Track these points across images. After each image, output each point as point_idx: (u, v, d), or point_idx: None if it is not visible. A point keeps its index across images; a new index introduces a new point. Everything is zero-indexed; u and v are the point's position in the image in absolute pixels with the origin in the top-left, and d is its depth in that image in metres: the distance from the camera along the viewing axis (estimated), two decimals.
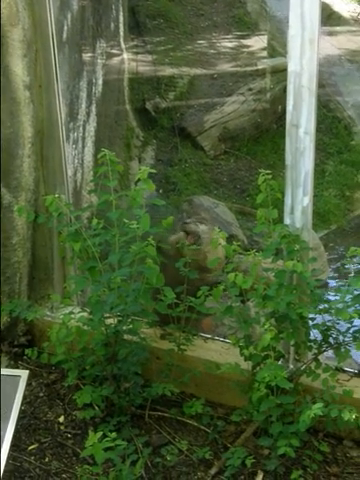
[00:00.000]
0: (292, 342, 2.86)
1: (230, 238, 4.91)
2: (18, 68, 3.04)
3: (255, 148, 6.39)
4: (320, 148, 5.60)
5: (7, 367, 3.27)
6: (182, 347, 3.05)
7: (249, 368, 2.90)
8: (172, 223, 3.24)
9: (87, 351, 2.95)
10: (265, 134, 6.53)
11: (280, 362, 2.94)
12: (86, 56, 4.22)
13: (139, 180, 4.02)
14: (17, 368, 3.28)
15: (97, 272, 2.82)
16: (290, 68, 2.75)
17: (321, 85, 6.02)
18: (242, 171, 6.11)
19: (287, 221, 2.91)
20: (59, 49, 3.24)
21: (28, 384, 3.17)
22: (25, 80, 3.09)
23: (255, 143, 6.44)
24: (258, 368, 2.86)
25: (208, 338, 3.35)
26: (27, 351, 3.08)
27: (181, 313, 2.98)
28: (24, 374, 2.41)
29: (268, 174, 2.79)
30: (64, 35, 3.43)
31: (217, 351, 3.26)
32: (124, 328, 2.83)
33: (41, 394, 3.17)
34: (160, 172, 5.82)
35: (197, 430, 3.02)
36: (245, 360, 2.88)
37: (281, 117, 6.60)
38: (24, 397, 2.69)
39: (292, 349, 3.01)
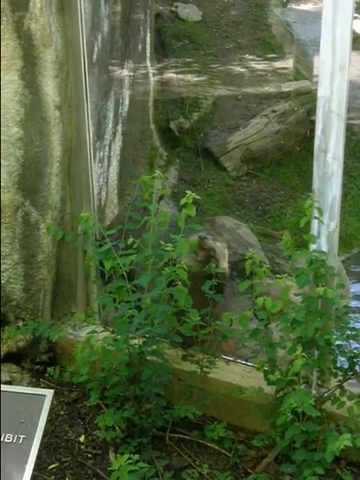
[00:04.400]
0: (317, 368, 2.84)
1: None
2: (49, 88, 3.08)
3: (278, 170, 6.39)
4: (343, 171, 5.58)
5: (29, 384, 3.27)
6: (205, 370, 3.03)
7: (271, 392, 2.88)
8: (197, 244, 3.28)
9: (110, 371, 2.94)
10: (288, 156, 6.54)
11: (302, 387, 2.92)
12: (114, 76, 4.26)
13: (162, 198, 3.99)
14: (38, 385, 3.29)
15: (125, 292, 2.82)
16: (320, 93, 2.75)
17: None
18: (264, 192, 6.10)
19: (313, 246, 2.90)
20: (89, 70, 3.27)
21: None
22: (56, 100, 3.12)
23: (278, 165, 6.45)
24: (281, 393, 2.84)
25: (230, 361, 3.34)
26: (49, 370, 3.08)
27: (206, 336, 2.97)
28: (49, 393, 2.41)
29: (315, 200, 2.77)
30: (94, 56, 3.46)
31: (239, 374, 3.24)
32: (148, 349, 2.82)
33: (62, 412, 3.16)
34: (182, 192, 5.83)
35: (218, 453, 3.00)
36: (269, 384, 2.86)
37: (304, 139, 6.63)
38: None
39: (315, 375, 2.99)
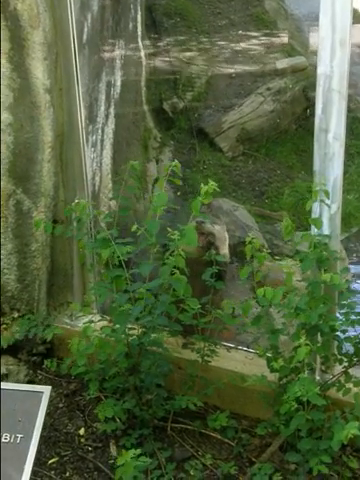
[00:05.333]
0: (322, 355, 2.77)
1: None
2: (38, 71, 2.97)
3: (274, 149, 6.26)
4: None
5: (26, 377, 3.20)
6: (206, 358, 2.96)
7: (275, 379, 2.82)
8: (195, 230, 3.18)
9: (108, 363, 2.86)
10: (284, 135, 6.40)
11: (306, 374, 2.85)
12: (105, 57, 4.13)
13: (157, 181, 3.94)
14: (36, 377, 3.22)
15: (123, 281, 2.74)
16: (319, 70, 2.66)
17: None
18: (261, 173, 5.98)
19: (314, 229, 2.83)
20: (79, 51, 3.16)
21: None
22: (45, 83, 3.01)
23: (274, 144, 6.31)
24: (285, 380, 2.78)
25: (231, 347, 3.27)
26: (46, 362, 3.01)
27: (206, 325, 2.89)
28: (47, 390, 2.32)
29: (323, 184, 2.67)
30: (84, 37, 3.35)
31: (241, 361, 3.18)
32: (148, 340, 2.74)
33: (61, 405, 3.09)
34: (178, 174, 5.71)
35: (220, 443, 2.94)
36: (271, 372, 2.80)
37: (300, 117, 6.50)
38: None
39: (319, 360, 2.92)
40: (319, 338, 2.75)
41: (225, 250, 3.30)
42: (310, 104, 6.47)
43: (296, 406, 2.54)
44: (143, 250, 2.83)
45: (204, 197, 2.75)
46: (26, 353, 3.28)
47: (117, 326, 2.77)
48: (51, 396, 3.10)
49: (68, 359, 2.95)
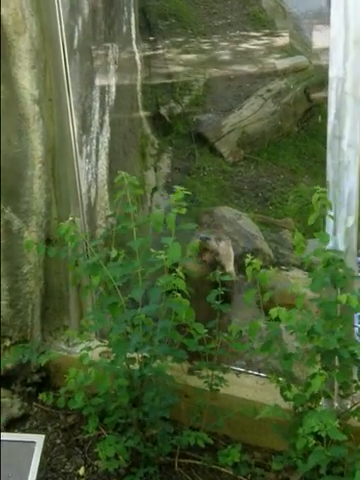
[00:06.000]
0: (341, 381, 2.56)
1: (255, 252, 4.59)
2: (26, 81, 2.76)
3: (276, 152, 6.05)
4: None
5: (20, 409, 2.98)
6: (214, 388, 2.73)
7: (289, 407, 2.60)
8: (197, 247, 2.95)
9: (108, 396, 2.63)
10: (286, 137, 6.19)
11: (323, 403, 2.64)
12: (98, 63, 3.92)
13: (156, 189, 3.69)
14: (31, 410, 2.99)
15: (119, 309, 2.51)
16: (332, 73, 2.45)
17: None
18: (264, 178, 5.77)
19: (329, 244, 2.61)
20: (70, 57, 2.96)
21: (43, 428, 2.89)
22: (34, 94, 2.80)
23: (276, 147, 6.10)
24: (300, 409, 2.56)
25: (241, 372, 3.05)
26: (41, 395, 2.78)
27: (213, 350, 2.67)
28: (39, 439, 2.10)
29: (323, 192, 2.46)
30: (75, 42, 3.13)
31: (252, 387, 2.96)
32: (149, 373, 2.51)
33: (58, 441, 2.86)
34: (177, 181, 5.50)
35: (233, 479, 2.71)
36: (285, 401, 2.58)
37: (302, 119, 6.29)
38: None
39: (337, 385, 2.71)
40: (337, 362, 2.54)
41: (231, 267, 3.10)
42: (312, 105, 6.29)
43: (314, 442, 2.32)
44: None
45: (179, 208, 2.51)
46: (20, 384, 3.05)
47: (115, 355, 2.54)
48: (47, 431, 2.90)
49: (64, 383, 2.73)
